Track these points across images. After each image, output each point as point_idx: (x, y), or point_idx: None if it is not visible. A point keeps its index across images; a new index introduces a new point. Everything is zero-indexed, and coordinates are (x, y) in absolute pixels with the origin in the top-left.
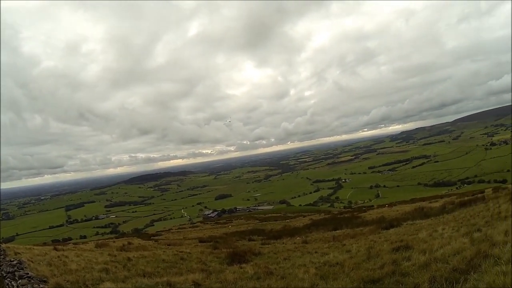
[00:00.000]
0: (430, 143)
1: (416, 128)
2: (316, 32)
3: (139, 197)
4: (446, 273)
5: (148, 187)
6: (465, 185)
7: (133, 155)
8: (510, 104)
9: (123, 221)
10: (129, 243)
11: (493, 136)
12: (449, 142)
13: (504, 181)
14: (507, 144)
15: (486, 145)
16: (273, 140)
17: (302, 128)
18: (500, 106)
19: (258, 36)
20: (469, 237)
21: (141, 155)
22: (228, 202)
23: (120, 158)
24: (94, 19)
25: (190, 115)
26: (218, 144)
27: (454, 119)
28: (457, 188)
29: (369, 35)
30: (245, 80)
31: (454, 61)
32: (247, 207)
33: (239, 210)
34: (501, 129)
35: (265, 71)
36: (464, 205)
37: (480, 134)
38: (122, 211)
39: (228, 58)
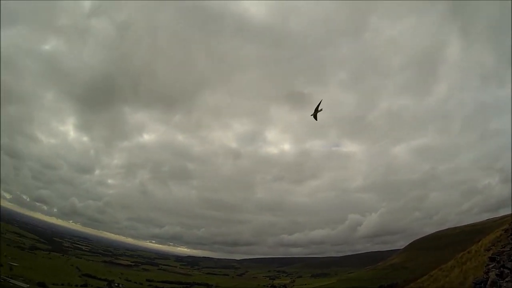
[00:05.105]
0: (214, 274)
1: (204, 257)
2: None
3: None
4: None
5: None
6: None
7: None
8: (294, 256)
9: None
10: None
11: (274, 279)
12: (233, 277)
13: None
14: (285, 287)
15: (267, 286)
16: (55, 210)
17: (90, 212)
18: (286, 256)
19: None
20: None
21: None
22: None
23: None
24: None
25: None
26: None
27: (241, 258)
28: None
29: (193, 158)
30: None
31: (258, 210)
32: None
33: None
34: (283, 275)
35: (82, 137)
36: None
37: (263, 276)
38: None
39: None
